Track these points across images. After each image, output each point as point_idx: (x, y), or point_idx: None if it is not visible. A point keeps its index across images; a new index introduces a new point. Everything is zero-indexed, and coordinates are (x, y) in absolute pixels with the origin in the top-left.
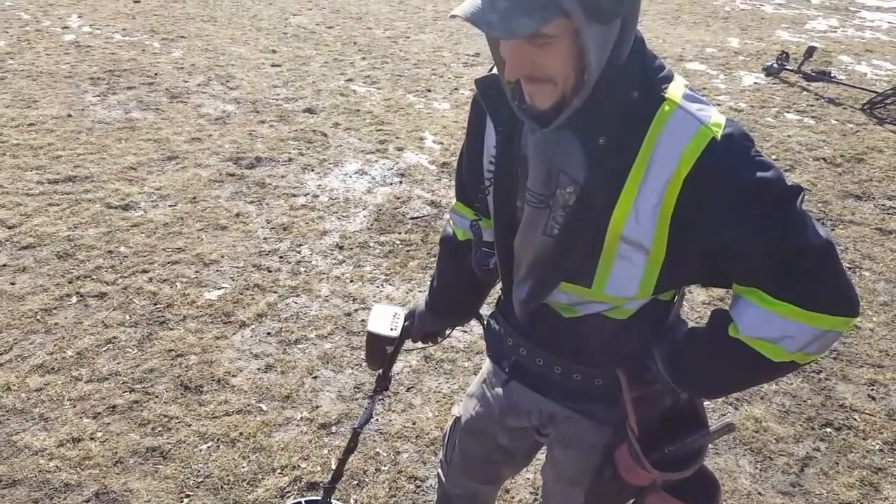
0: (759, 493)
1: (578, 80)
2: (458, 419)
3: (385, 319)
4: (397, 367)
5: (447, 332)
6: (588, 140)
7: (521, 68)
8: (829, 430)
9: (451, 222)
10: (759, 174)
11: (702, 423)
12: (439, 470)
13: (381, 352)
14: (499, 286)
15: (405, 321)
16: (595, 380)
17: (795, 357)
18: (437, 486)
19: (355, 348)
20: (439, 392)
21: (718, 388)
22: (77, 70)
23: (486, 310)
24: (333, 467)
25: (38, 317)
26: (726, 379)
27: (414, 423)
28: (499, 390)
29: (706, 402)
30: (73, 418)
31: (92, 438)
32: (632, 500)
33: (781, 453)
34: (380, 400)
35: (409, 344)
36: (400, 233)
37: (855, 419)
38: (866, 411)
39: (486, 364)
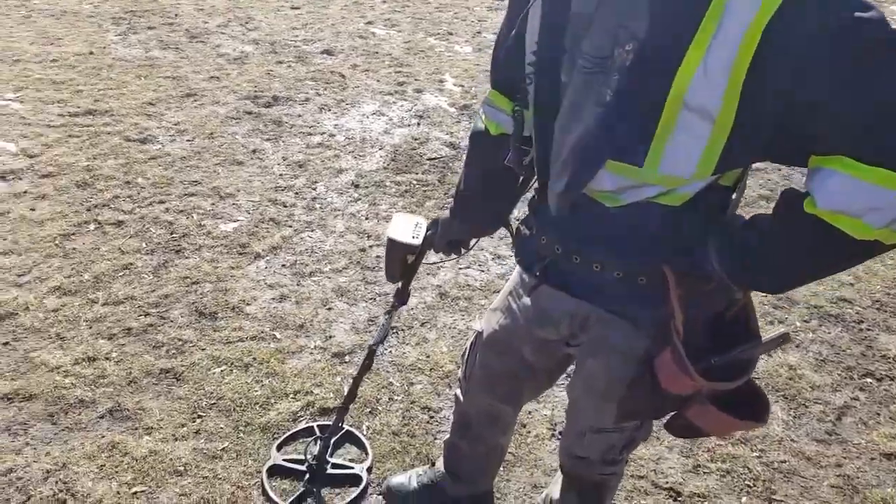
0: (793, 440)
1: None
2: (479, 333)
3: (407, 227)
4: (411, 302)
5: (472, 242)
6: None
7: None
8: (869, 380)
9: (484, 116)
10: (855, 14)
11: (753, 335)
12: (457, 390)
13: (401, 261)
14: (531, 191)
15: (427, 230)
16: (638, 277)
17: (882, 235)
18: (454, 408)
19: (370, 283)
20: (454, 328)
21: (784, 279)
22: (99, 10)
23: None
24: (346, 393)
25: (57, 242)
26: (795, 266)
27: (428, 357)
28: (526, 300)
29: None
30: (89, 338)
31: (107, 358)
32: (670, 414)
33: (817, 401)
34: (393, 332)
35: (418, 284)
36: (417, 173)
37: None
38: None
39: (513, 276)
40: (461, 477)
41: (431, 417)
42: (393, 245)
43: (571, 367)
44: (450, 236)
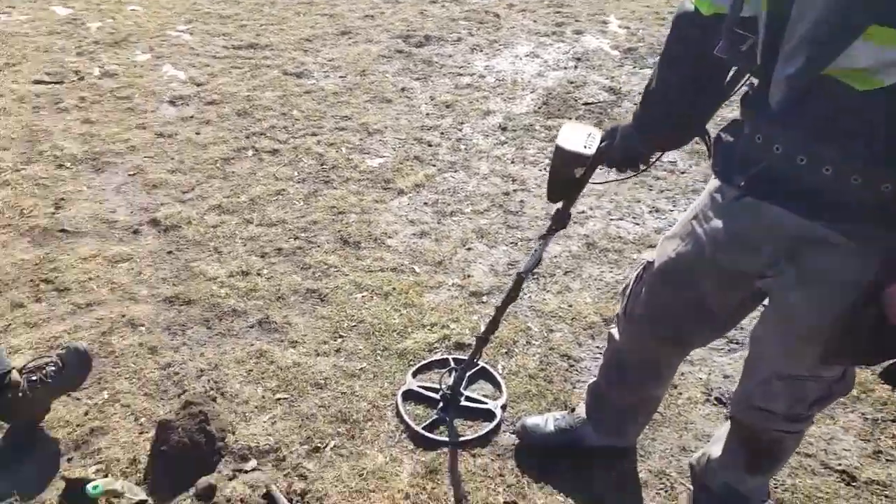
0: None
1: None
2: (649, 264)
3: (578, 137)
4: (555, 249)
5: (653, 157)
6: None
7: None
8: None
9: None
10: None
11: None
12: (612, 328)
13: (567, 174)
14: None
15: (602, 142)
16: (882, 185)
17: None
18: (606, 347)
19: (511, 227)
20: (601, 280)
21: None
22: None
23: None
24: (482, 330)
25: (218, 164)
26: None
27: (570, 306)
28: (717, 223)
29: None
30: (243, 254)
31: (258, 274)
32: (889, 361)
33: None
34: (533, 277)
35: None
36: (570, 118)
37: None
38: None
39: (699, 199)
40: (604, 427)
41: (571, 366)
42: (561, 154)
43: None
44: (629, 150)
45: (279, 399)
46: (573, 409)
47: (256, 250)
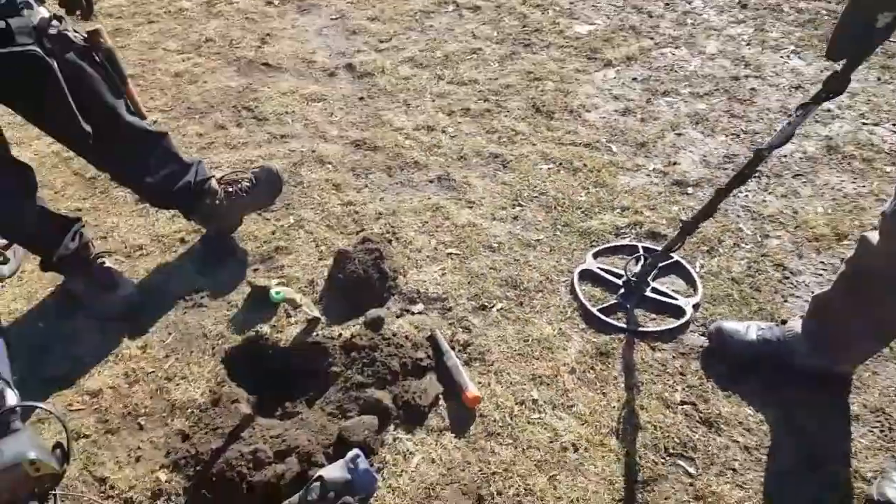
0: None
1: None
2: None
3: None
4: (786, 147)
5: None
6: None
7: None
8: None
9: None
10: None
11: None
12: (870, 232)
13: (867, 20)
14: None
15: None
16: None
17: None
18: (852, 255)
19: (735, 116)
20: (839, 190)
21: None
22: None
23: None
24: (683, 220)
25: (417, 17)
26: None
27: (795, 213)
28: None
29: None
30: (431, 110)
31: (443, 131)
32: None
33: None
34: (755, 176)
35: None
36: (829, 1)
37: None
38: None
39: None
40: (823, 345)
41: (785, 278)
42: None
43: None
44: None
45: (451, 253)
46: (784, 321)
47: (444, 107)
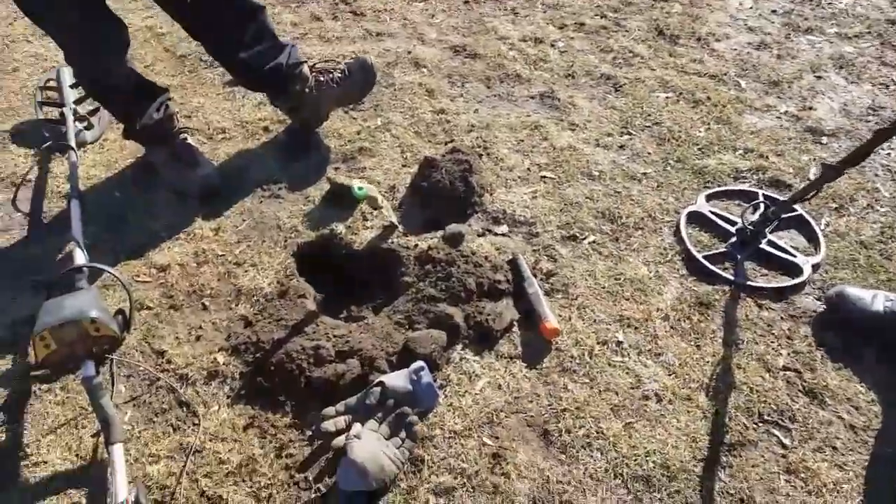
0: None
1: None
2: None
3: None
4: None
5: None
6: None
7: None
8: None
9: None
10: None
11: None
12: None
13: None
14: None
15: None
16: None
17: None
18: None
19: (887, 65)
20: None
21: None
22: None
23: None
24: (812, 177)
25: None
26: None
27: None
28: None
29: None
30: (541, 21)
31: (552, 45)
32: None
33: None
34: None
35: None
36: None
37: None
38: None
39: None
40: None
41: None
42: None
43: None
44: None
45: (545, 177)
46: None
47: (556, 19)
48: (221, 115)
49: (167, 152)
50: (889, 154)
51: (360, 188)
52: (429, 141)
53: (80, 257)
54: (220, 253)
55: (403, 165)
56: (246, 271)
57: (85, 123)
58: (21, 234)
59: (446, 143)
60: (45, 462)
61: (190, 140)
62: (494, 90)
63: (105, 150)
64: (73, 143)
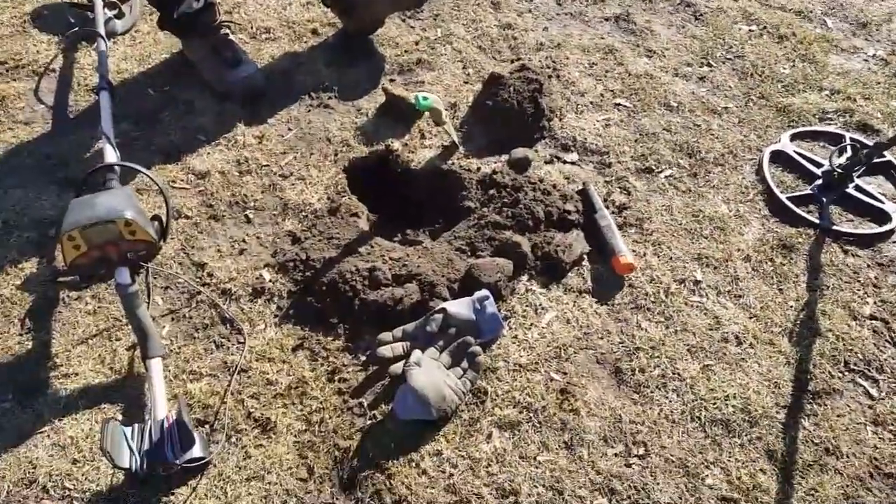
0: None
1: None
2: None
3: None
4: None
5: None
6: None
7: None
8: None
9: None
10: None
11: None
12: None
13: None
14: None
15: None
16: None
17: None
18: None
19: None
20: None
21: None
22: None
23: None
24: None
25: None
26: None
27: None
28: None
29: None
30: None
31: None
32: None
33: None
34: None
35: None
36: None
37: None
38: None
39: None
40: None
41: None
42: None
43: None
44: None
45: (619, 104)
46: None
47: None
48: (266, 13)
49: (207, 47)
50: None
51: (424, 98)
52: (493, 57)
53: (111, 155)
54: (264, 163)
55: (465, 82)
56: (293, 185)
57: (115, 11)
58: (45, 128)
59: (513, 62)
60: (77, 374)
61: (231, 37)
62: (566, 8)
63: (137, 43)
64: (101, 31)
